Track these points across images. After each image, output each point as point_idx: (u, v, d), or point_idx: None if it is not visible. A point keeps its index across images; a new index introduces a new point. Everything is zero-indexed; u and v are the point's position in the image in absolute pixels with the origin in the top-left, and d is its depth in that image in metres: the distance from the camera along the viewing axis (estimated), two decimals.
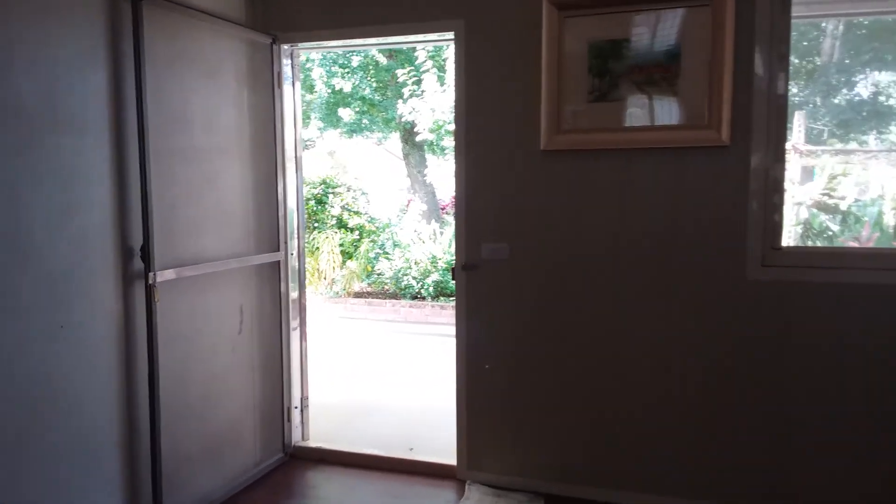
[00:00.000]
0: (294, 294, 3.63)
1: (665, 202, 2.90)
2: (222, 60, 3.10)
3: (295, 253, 3.62)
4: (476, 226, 3.17)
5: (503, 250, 3.14)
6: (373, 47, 3.89)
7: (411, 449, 3.65)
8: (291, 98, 3.56)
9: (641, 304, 2.96)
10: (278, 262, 3.48)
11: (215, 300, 3.08)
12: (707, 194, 2.85)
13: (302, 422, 3.72)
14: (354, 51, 9.99)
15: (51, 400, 2.37)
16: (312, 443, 3.70)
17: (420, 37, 3.35)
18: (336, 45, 3.83)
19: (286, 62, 3.50)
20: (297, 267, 3.63)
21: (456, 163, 3.19)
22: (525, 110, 3.02)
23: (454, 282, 3.26)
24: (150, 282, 2.66)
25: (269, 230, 3.44)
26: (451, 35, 3.17)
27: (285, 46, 3.47)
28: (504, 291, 3.16)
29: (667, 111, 2.86)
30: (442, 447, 3.52)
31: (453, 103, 3.22)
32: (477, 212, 3.17)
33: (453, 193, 3.26)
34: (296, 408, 3.65)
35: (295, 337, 3.64)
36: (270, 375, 3.50)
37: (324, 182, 9.65)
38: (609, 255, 2.99)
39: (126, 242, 2.64)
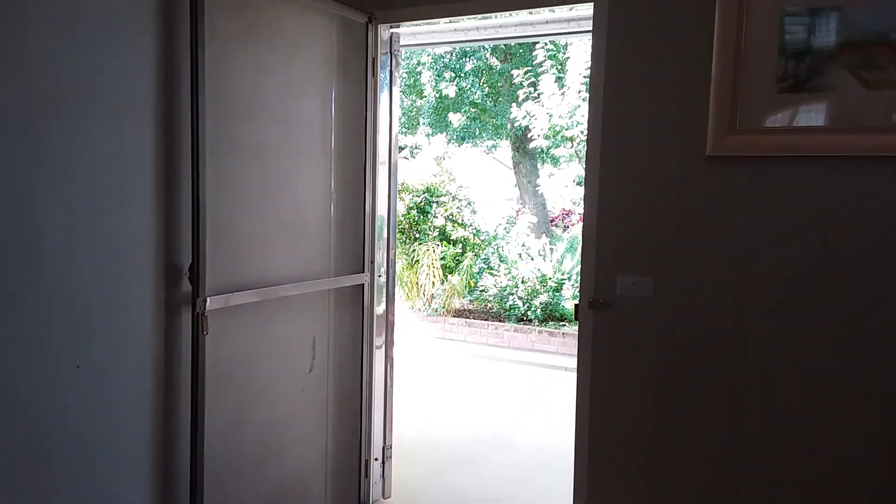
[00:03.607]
0: (380, 309, 3.04)
1: (886, 230, 2.07)
2: (304, 40, 2.55)
3: (384, 271, 3.03)
4: (609, 253, 2.45)
5: (646, 286, 2.40)
6: (491, 42, 3.24)
7: None
8: (388, 91, 2.98)
9: (843, 372, 2.13)
10: (362, 284, 2.90)
11: (282, 332, 2.53)
12: None
13: (383, 475, 3.11)
14: (467, 51, 9.47)
15: (66, 457, 1.87)
16: (395, 502, 3.08)
17: (547, 11, 2.69)
18: (446, 41, 3.16)
19: (384, 47, 2.92)
20: (383, 284, 3.04)
21: (587, 171, 2.48)
22: (685, 104, 2.28)
23: (577, 320, 2.55)
24: (199, 309, 2.13)
25: (354, 247, 2.86)
26: (588, 9, 2.48)
27: (383, 27, 2.89)
28: (645, 338, 2.41)
29: (892, 106, 2.04)
30: None
31: (587, 96, 2.51)
32: (611, 235, 2.44)
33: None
34: (376, 459, 3.05)
35: (379, 360, 3.04)
36: (347, 420, 2.91)
37: (427, 190, 9.12)
38: (800, 301, 2.18)
39: (170, 259, 2.12)
